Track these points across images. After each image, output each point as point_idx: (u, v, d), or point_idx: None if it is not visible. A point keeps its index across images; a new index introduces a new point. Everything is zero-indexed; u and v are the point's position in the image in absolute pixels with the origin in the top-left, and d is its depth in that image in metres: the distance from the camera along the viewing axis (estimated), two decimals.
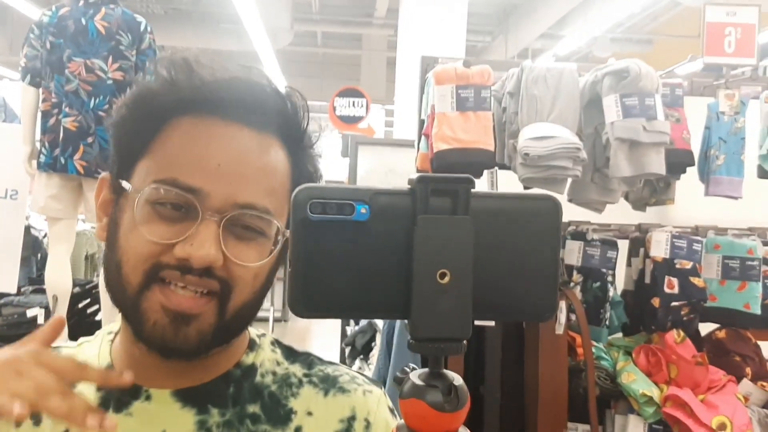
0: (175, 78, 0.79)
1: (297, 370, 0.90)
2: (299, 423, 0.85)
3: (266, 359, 0.90)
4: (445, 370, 0.55)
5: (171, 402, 0.82)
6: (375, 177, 5.33)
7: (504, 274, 0.55)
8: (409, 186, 0.54)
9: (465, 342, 0.53)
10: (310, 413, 0.86)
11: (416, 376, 0.55)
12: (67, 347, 0.93)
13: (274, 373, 0.89)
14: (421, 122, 2.75)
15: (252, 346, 0.90)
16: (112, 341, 0.89)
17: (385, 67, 14.23)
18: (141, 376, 0.83)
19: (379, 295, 0.54)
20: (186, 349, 0.77)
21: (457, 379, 0.55)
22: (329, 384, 0.89)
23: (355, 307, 0.55)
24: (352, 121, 11.02)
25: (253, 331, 0.93)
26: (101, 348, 0.89)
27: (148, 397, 0.82)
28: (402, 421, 0.55)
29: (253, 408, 0.85)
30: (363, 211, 0.53)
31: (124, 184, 0.79)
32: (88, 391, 0.84)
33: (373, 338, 4.30)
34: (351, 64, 15.41)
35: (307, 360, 0.92)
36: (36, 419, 0.83)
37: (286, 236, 0.80)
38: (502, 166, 2.63)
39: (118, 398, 0.83)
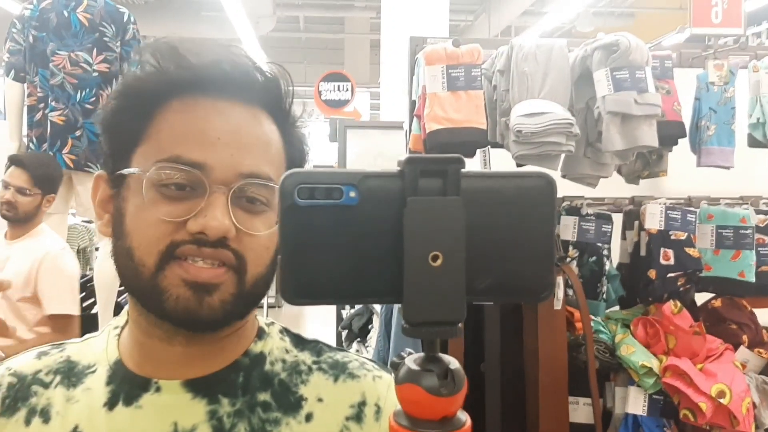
0: (162, 64, 0.80)
1: (306, 357, 0.90)
2: (310, 409, 0.85)
3: (275, 347, 0.90)
4: (441, 354, 0.54)
5: (181, 392, 0.82)
6: (365, 160, 5.32)
7: (498, 255, 0.53)
8: (398, 168, 0.53)
9: (460, 325, 0.52)
10: (320, 399, 0.86)
11: (411, 360, 0.54)
12: (72, 343, 0.93)
13: (283, 361, 0.89)
14: (413, 103, 2.74)
15: (261, 334, 0.90)
16: (119, 335, 0.89)
17: (368, 49, 14.20)
18: (150, 367, 0.84)
19: (371, 279, 0.53)
20: (211, 319, 0.77)
21: (454, 363, 0.54)
22: (339, 370, 0.89)
23: (348, 293, 0.54)
24: (337, 105, 11.01)
25: (262, 319, 0.93)
26: (108, 342, 0.89)
27: (158, 389, 0.82)
28: (399, 407, 0.54)
29: (264, 396, 0.85)
30: (352, 194, 0.52)
31: (127, 170, 0.80)
32: (97, 386, 0.84)
33: (369, 321, 4.31)
34: (334, 48, 15.35)
35: (316, 347, 0.92)
36: (45, 417, 0.83)
37: None
38: (495, 145, 2.62)
39: (127, 392, 0.83)
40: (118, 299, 3.63)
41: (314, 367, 0.89)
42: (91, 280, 3.85)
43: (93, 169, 3.50)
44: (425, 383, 0.52)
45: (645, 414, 2.57)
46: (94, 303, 3.79)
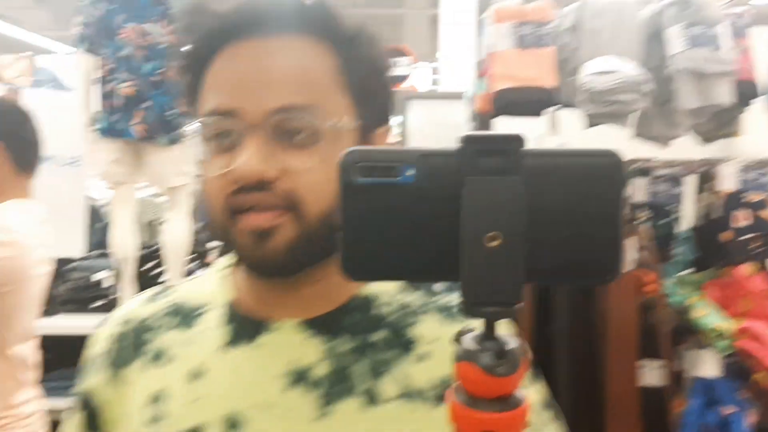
0: (215, 9, 0.81)
1: (416, 299, 0.89)
2: (422, 350, 0.84)
3: (383, 290, 0.89)
4: (499, 334, 0.53)
5: (299, 332, 0.83)
6: (425, 132, 5.29)
7: (561, 237, 0.51)
8: (457, 146, 0.52)
9: (517, 306, 0.51)
10: (431, 339, 0.85)
11: (470, 338, 0.53)
12: (178, 284, 0.94)
13: (393, 304, 0.88)
14: (479, 64, 2.72)
15: None
16: (230, 276, 0.90)
17: (427, 24, 14.11)
18: (267, 308, 0.85)
19: (428, 258, 0.52)
20: (276, 262, 0.78)
21: (512, 343, 0.53)
22: (449, 311, 0.88)
23: (405, 270, 0.54)
24: (395, 81, 10.97)
25: None
26: (219, 283, 0.90)
27: (275, 329, 0.83)
28: (458, 382, 0.54)
29: (376, 336, 0.84)
30: (410, 173, 0.51)
31: (187, 127, 0.84)
32: (212, 327, 0.86)
33: None
34: (393, 23, 15.30)
35: (426, 289, 0.92)
36: (164, 359, 0.86)
37: (348, 126, 0.80)
38: (564, 105, 2.59)
39: (245, 331, 0.84)
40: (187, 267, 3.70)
41: (425, 308, 0.88)
42: (157, 250, 3.94)
43: (161, 140, 3.55)
44: (481, 362, 0.51)
45: (718, 377, 2.53)
46: (161, 273, 3.88)
